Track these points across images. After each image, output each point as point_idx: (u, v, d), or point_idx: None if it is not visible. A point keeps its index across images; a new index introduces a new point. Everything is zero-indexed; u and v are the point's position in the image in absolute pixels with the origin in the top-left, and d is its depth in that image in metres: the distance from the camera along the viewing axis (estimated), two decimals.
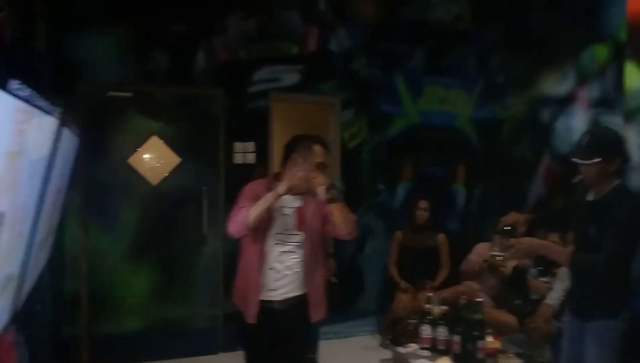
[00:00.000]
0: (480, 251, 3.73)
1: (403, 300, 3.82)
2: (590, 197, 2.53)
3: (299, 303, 2.50)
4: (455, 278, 4.10)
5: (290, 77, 4.40)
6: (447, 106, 5.00)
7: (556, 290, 3.25)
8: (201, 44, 4.09)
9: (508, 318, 3.44)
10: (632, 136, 3.28)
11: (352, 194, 4.66)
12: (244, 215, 2.35)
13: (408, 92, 4.88)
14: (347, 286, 4.45)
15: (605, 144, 2.45)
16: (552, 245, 2.52)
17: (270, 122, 4.28)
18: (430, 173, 4.95)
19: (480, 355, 2.48)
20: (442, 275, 4.20)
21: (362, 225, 4.72)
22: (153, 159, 4.00)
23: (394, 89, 4.83)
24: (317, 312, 2.53)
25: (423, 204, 4.24)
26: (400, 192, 4.85)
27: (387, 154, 4.82)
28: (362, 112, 4.72)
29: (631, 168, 3.18)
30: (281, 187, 2.31)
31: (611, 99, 3.57)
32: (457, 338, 2.53)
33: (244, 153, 4.14)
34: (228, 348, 3.98)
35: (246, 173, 3.80)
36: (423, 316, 2.65)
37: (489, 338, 2.63)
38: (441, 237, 4.30)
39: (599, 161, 2.41)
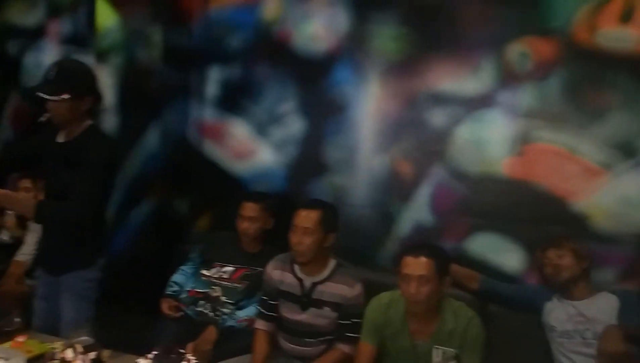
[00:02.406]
0: None
1: None
2: (61, 138, 2.29)
3: None
4: None
5: None
6: None
7: (27, 244, 2.91)
8: None
9: None
10: (104, 76, 3.19)
11: None
12: None
13: None
14: None
15: (74, 80, 2.22)
16: (12, 194, 2.17)
17: None
18: None
19: None
20: None
21: None
22: None
23: None
24: None
25: None
26: None
27: None
28: None
29: (104, 109, 3.10)
30: None
31: (84, 36, 3.38)
32: None
33: None
34: None
35: None
36: None
37: None
38: None
39: (68, 98, 2.19)
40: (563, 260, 2.33)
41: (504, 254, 2.68)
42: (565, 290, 2.35)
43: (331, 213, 2.37)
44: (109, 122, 3.19)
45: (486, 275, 2.61)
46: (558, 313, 2.35)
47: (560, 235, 2.43)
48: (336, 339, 2.36)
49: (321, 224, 2.30)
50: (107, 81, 3.20)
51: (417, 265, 2.05)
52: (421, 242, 2.46)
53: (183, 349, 1.96)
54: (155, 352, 1.90)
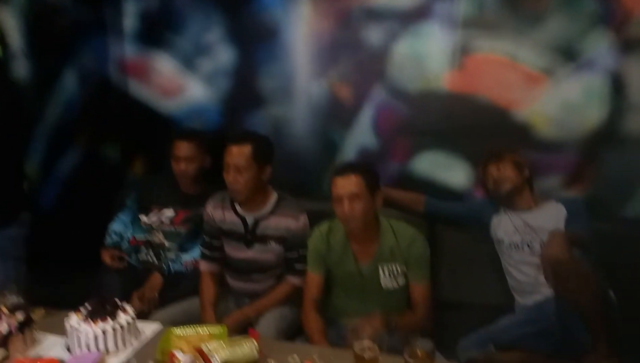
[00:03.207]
0: None
1: None
2: None
3: None
4: None
5: None
6: None
7: None
8: None
9: None
10: (8, 18, 2.87)
11: None
12: None
13: None
14: None
15: None
16: None
17: None
18: None
19: None
20: None
21: None
22: None
23: None
24: None
25: None
26: None
27: None
28: None
29: (12, 55, 2.82)
30: None
31: None
32: None
33: None
34: None
35: None
36: None
37: None
38: None
39: None
40: (504, 172, 2.31)
41: (450, 170, 2.65)
42: (510, 201, 2.34)
43: (263, 145, 2.23)
44: (19, 68, 2.91)
45: (433, 193, 2.58)
46: (505, 226, 2.34)
47: (500, 148, 2.39)
48: (285, 272, 2.30)
49: (254, 158, 2.16)
50: (11, 23, 2.89)
51: (346, 184, 2.00)
52: (347, 162, 2.40)
53: (126, 299, 1.89)
54: (89, 305, 1.80)
